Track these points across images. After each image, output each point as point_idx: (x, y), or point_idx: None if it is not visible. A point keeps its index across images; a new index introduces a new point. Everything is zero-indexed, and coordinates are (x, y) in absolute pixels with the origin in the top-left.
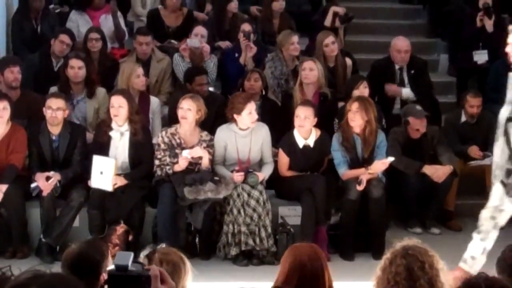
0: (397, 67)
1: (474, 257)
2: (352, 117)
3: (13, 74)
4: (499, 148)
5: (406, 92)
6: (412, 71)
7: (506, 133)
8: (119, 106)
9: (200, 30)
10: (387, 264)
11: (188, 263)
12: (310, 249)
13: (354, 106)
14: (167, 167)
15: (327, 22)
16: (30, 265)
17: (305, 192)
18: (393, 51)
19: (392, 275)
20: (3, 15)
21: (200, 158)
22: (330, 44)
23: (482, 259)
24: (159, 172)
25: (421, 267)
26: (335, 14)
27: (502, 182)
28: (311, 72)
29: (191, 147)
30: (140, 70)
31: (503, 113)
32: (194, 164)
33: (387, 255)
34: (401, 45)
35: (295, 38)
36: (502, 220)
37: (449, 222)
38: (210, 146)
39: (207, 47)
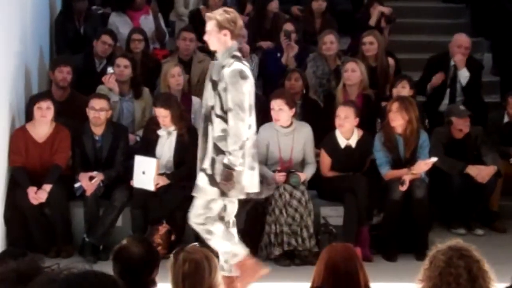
0: (452, 63)
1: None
2: (393, 117)
3: (62, 74)
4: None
5: None
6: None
7: (209, 121)
8: (163, 117)
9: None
10: (442, 266)
11: (215, 261)
12: (344, 249)
13: (394, 106)
14: None
15: (372, 21)
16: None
17: (347, 192)
18: (453, 46)
19: (452, 277)
20: (47, 17)
21: None
22: (368, 44)
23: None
24: None
25: (478, 267)
26: (381, 14)
27: (204, 171)
28: (354, 73)
29: None
30: (175, 70)
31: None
32: None
33: (438, 256)
34: (463, 40)
35: (328, 38)
36: (228, 216)
37: (493, 223)
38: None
39: (246, 47)
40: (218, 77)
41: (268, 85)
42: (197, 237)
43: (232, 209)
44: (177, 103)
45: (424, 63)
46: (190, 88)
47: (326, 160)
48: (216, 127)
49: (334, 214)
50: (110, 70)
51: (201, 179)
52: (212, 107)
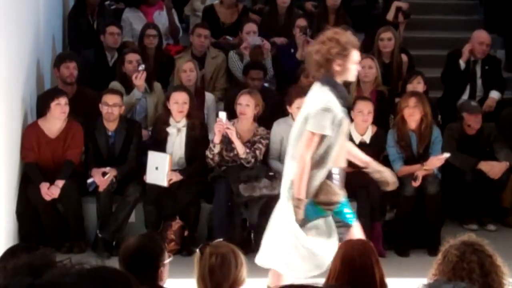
0: (472, 59)
1: None
2: (411, 112)
3: (69, 69)
4: None
5: None
6: (486, 67)
7: None
8: (183, 103)
9: (252, 27)
10: (454, 261)
11: (241, 257)
12: (360, 244)
13: (412, 101)
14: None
15: (389, 16)
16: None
17: (360, 188)
18: (474, 42)
19: (465, 272)
20: (59, 12)
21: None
22: (386, 39)
23: None
24: (210, 161)
25: (491, 262)
26: (398, 9)
27: None
28: (370, 70)
29: (247, 141)
30: (187, 65)
31: None
32: (229, 149)
33: (451, 251)
34: (484, 37)
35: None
36: None
37: (505, 219)
38: (265, 138)
39: (267, 44)
40: None
41: (282, 81)
42: (210, 233)
43: None
44: (192, 94)
45: (437, 59)
46: (204, 84)
47: None
48: None
49: None
50: (141, 67)
51: None
52: None
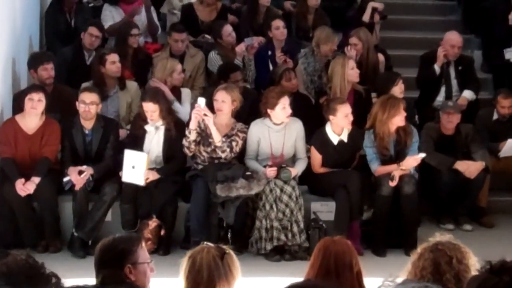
0: (444, 61)
1: None
2: (400, 119)
3: (47, 71)
4: None
5: None
6: (460, 67)
7: None
8: (152, 112)
9: (229, 28)
10: (415, 259)
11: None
12: (338, 242)
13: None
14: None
15: (365, 17)
16: (62, 259)
17: (339, 187)
18: (446, 45)
19: (419, 269)
20: (37, 9)
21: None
22: (352, 44)
23: None
24: (186, 150)
25: (448, 261)
26: (374, 10)
27: None
28: (356, 70)
29: (225, 135)
30: (180, 67)
31: None
32: (206, 143)
33: (417, 250)
34: (456, 40)
35: (336, 39)
36: None
37: (481, 218)
38: (243, 131)
39: (256, 43)
40: None
41: (259, 81)
42: (187, 232)
43: None
44: (164, 97)
45: (415, 59)
46: (183, 82)
47: (317, 157)
48: None
49: (324, 210)
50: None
51: None
52: None
